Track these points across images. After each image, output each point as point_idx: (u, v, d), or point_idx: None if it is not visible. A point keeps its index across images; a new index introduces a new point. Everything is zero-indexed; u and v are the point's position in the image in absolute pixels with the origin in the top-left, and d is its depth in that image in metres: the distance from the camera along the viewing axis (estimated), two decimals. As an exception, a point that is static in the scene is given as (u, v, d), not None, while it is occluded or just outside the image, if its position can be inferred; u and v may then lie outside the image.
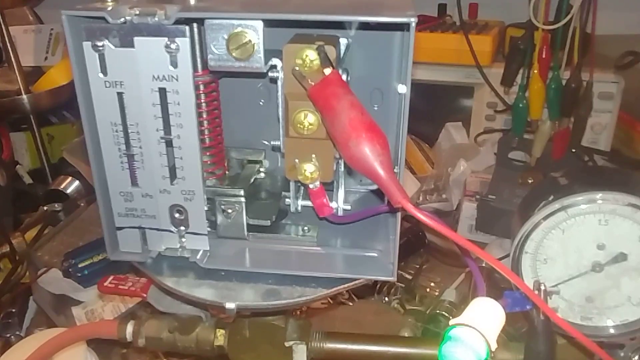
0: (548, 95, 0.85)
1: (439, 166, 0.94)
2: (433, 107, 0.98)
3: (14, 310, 0.72)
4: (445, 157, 0.94)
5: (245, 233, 0.47)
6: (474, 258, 0.38)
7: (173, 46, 0.38)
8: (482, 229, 0.83)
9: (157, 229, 0.44)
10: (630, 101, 0.88)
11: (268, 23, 0.38)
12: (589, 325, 0.59)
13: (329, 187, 0.45)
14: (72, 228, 0.82)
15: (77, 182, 0.90)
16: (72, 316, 0.69)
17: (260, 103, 0.50)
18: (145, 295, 0.69)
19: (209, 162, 0.45)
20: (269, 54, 0.39)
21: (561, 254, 0.58)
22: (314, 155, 0.41)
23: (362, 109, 0.36)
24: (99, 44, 0.38)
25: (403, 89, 0.39)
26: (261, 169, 0.51)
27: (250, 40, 0.38)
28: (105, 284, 0.70)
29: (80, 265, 0.73)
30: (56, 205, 0.87)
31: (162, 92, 0.39)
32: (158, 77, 0.39)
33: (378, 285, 0.76)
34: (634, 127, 0.90)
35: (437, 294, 0.75)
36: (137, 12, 0.38)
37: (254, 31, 0.38)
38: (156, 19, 0.37)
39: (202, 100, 0.42)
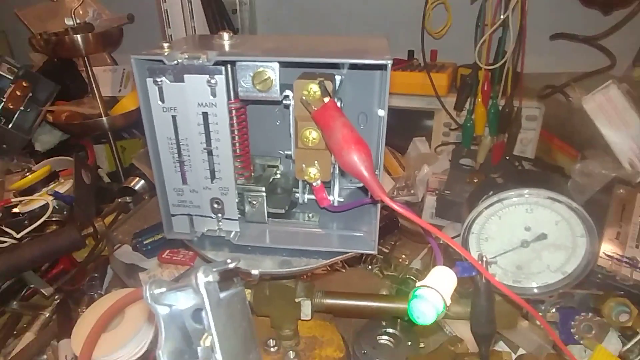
0: (488, 117, 0.85)
1: (408, 169, 0.93)
2: (404, 126, 0.98)
3: (96, 275, 0.73)
4: (413, 162, 0.94)
5: (266, 218, 0.47)
6: (434, 237, 0.38)
7: (213, 81, 0.38)
8: (440, 215, 0.82)
9: (201, 216, 0.44)
10: (549, 122, 0.88)
11: (282, 64, 0.38)
12: (518, 286, 0.59)
13: (327, 184, 0.45)
14: (138, 215, 0.82)
15: (142, 181, 0.90)
16: (139, 279, 0.69)
17: (277, 123, 0.50)
18: (192, 264, 0.69)
19: (239, 167, 0.45)
20: (283, 87, 0.39)
21: (498, 234, 0.58)
22: (316, 161, 0.41)
23: (351, 128, 0.36)
24: (158, 79, 0.38)
25: (382, 112, 0.39)
26: (277, 172, 0.51)
27: (269, 77, 0.38)
28: (163, 255, 0.71)
29: (145, 242, 0.74)
30: (127, 198, 0.87)
31: (205, 115, 0.39)
32: (201, 104, 0.39)
33: (363, 257, 0.76)
34: (552, 141, 0.91)
35: (407, 263, 0.75)
36: (186, 56, 0.38)
37: (272, 70, 0.38)
38: (200, 61, 0.37)
39: (234, 121, 0.42)
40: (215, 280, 0.19)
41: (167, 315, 0.20)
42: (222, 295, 0.19)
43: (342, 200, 0.48)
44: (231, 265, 0.23)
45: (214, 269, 0.19)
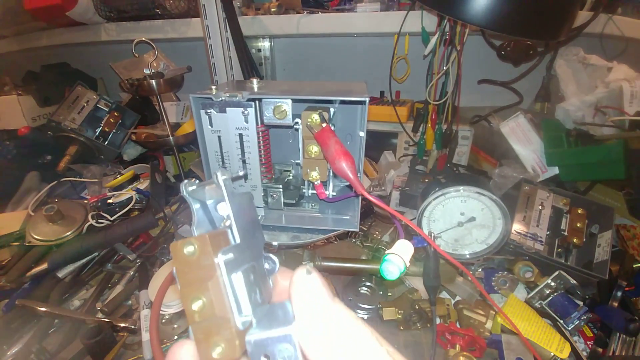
0: (435, 137, 0.84)
1: (380, 173, 0.93)
2: (377, 143, 0.98)
3: (165, 245, 0.72)
4: (383, 168, 0.94)
5: (282, 206, 0.47)
6: (398, 219, 0.38)
7: (246, 112, 0.38)
8: (402, 204, 0.82)
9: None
10: (477, 140, 0.88)
11: (294, 101, 0.38)
12: (456, 253, 0.59)
13: (324, 183, 0.45)
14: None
15: (198, 181, 0.90)
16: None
17: (290, 141, 0.50)
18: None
19: (264, 171, 0.45)
20: (295, 116, 0.39)
21: (442, 217, 0.58)
22: (317, 167, 0.41)
23: (341, 144, 0.36)
24: (208, 111, 0.38)
25: (362, 134, 0.39)
26: (290, 174, 0.52)
27: (285, 110, 0.38)
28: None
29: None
30: (187, 193, 0.87)
31: (240, 135, 0.39)
32: (238, 127, 0.39)
33: (349, 233, 0.76)
34: (479, 153, 0.91)
35: (379, 237, 0.75)
36: (228, 95, 0.38)
37: (287, 105, 0.38)
38: (237, 98, 0.37)
39: (260, 140, 0.42)
40: (229, 178, 0.19)
41: (199, 208, 0.19)
42: (235, 191, 0.19)
43: (335, 194, 0.48)
44: (241, 173, 0.24)
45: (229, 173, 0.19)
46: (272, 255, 0.21)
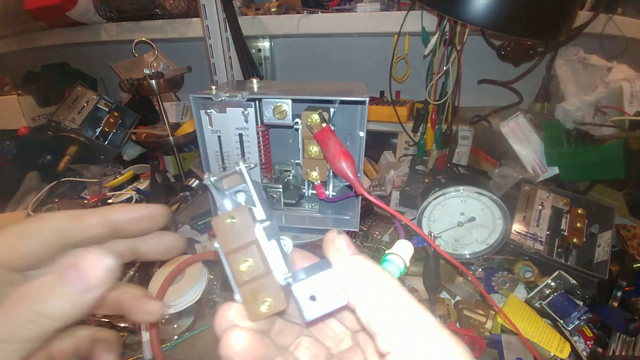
0: (435, 137, 0.84)
1: (380, 173, 0.93)
2: (377, 143, 0.98)
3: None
4: (383, 168, 0.94)
5: (283, 206, 0.47)
6: (397, 219, 0.38)
7: (246, 112, 0.38)
8: (402, 205, 0.82)
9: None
10: (477, 140, 0.88)
11: (294, 100, 0.38)
12: (456, 253, 0.59)
13: (324, 183, 0.45)
14: (194, 204, 0.82)
15: (197, 181, 0.90)
16: (195, 249, 0.69)
17: (290, 141, 0.50)
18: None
19: (264, 171, 0.45)
20: (295, 116, 0.39)
21: (442, 217, 0.58)
22: (317, 167, 0.41)
23: (341, 144, 0.36)
24: (208, 111, 0.38)
25: (362, 134, 0.39)
26: (290, 174, 0.52)
27: (285, 109, 0.38)
28: (212, 232, 0.71)
29: (199, 223, 0.74)
30: (186, 193, 0.87)
31: (240, 135, 0.39)
32: (238, 128, 0.39)
33: (349, 233, 0.76)
34: (479, 153, 0.91)
35: (379, 237, 0.75)
36: (228, 95, 0.38)
37: (287, 105, 0.38)
38: (237, 98, 0.37)
39: (260, 140, 0.42)
40: (249, 165, 0.22)
41: (220, 195, 0.22)
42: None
43: (334, 194, 0.48)
44: (253, 165, 0.26)
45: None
46: (286, 237, 0.23)
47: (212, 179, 0.21)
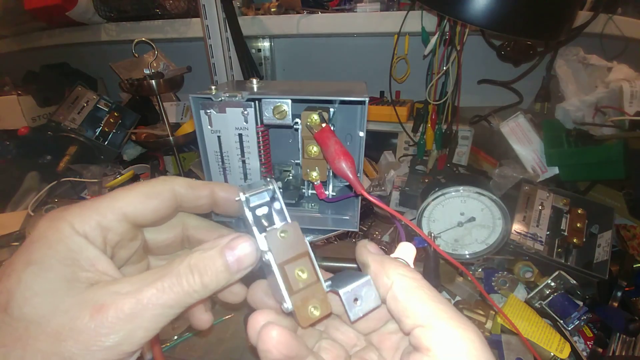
0: (435, 137, 0.84)
1: (380, 173, 0.93)
2: (377, 143, 0.98)
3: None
4: (383, 168, 0.94)
5: (282, 207, 0.47)
6: (398, 220, 0.38)
7: (245, 112, 0.38)
8: (402, 205, 0.82)
9: (238, 205, 0.44)
10: (477, 140, 0.88)
11: (294, 101, 0.38)
12: (456, 253, 0.59)
13: (324, 183, 0.45)
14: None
15: (197, 181, 0.90)
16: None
17: (290, 141, 0.50)
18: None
19: (264, 171, 0.45)
20: (294, 116, 0.39)
21: (442, 217, 0.58)
22: (316, 167, 0.41)
23: (341, 144, 0.36)
24: (208, 111, 0.38)
25: (362, 134, 0.39)
26: (290, 174, 0.51)
27: (285, 109, 0.38)
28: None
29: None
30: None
31: (240, 136, 0.39)
32: (238, 128, 0.39)
33: (349, 233, 0.76)
34: (479, 153, 0.91)
35: (379, 238, 0.75)
36: (227, 95, 0.38)
37: (287, 105, 0.38)
38: (237, 98, 0.37)
39: (260, 140, 0.42)
40: (276, 186, 0.24)
41: (250, 211, 0.24)
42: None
43: (334, 194, 0.48)
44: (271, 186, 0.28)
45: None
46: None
47: (246, 195, 0.23)
